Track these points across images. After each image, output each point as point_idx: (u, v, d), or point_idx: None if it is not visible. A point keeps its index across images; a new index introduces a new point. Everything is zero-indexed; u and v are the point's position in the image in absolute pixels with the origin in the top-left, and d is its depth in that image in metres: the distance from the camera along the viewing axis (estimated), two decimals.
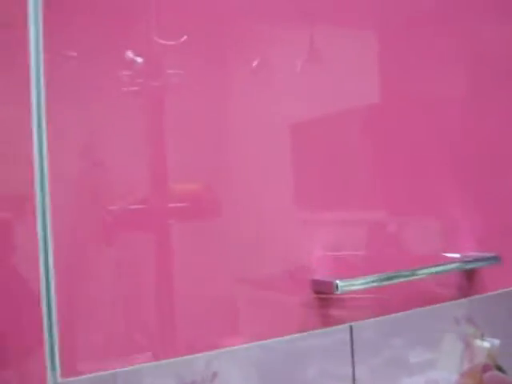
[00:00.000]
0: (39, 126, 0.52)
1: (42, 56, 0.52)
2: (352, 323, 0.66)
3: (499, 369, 1.13)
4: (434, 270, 0.67)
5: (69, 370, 0.52)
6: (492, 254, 0.70)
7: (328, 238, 0.65)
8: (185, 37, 0.59)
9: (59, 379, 0.51)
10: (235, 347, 0.59)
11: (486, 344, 1.15)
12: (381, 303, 0.67)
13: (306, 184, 0.63)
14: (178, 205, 0.58)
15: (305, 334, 0.62)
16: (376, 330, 1.00)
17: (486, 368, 1.12)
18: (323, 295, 0.63)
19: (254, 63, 0.62)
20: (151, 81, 0.57)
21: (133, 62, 0.56)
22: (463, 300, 1.12)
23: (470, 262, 0.70)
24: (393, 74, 0.72)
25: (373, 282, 0.62)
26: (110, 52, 0.55)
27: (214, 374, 0.88)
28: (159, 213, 0.57)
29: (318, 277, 0.63)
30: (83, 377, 0.52)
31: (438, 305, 1.07)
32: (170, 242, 0.57)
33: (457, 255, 0.72)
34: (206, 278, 0.58)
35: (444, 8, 0.76)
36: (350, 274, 0.62)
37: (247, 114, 0.62)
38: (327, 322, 0.64)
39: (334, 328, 0.64)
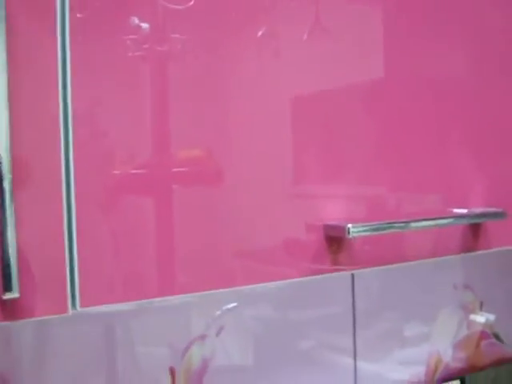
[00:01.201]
0: (64, 87, 0.53)
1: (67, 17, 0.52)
2: (354, 271, 0.67)
3: (496, 337, 1.15)
4: (442, 221, 0.68)
5: (89, 299, 0.53)
6: (498, 210, 0.71)
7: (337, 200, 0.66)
8: (192, 1, 0.59)
9: (79, 308, 0.52)
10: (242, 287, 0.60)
11: (482, 319, 1.16)
12: (386, 253, 0.68)
13: (306, 155, 0.64)
14: (181, 169, 0.58)
15: (308, 278, 0.63)
16: (379, 279, 1.01)
17: (483, 335, 1.13)
18: (333, 240, 0.64)
19: (260, 32, 0.63)
20: (157, 46, 0.57)
21: (138, 26, 0.56)
22: (464, 262, 1.14)
23: (476, 216, 0.71)
24: (398, 50, 0.73)
25: (382, 228, 0.63)
26: (115, 15, 0.55)
27: (221, 327, 0.89)
28: (163, 177, 0.58)
29: (329, 222, 0.64)
30: (101, 307, 0.53)
31: (436, 265, 1.09)
32: (172, 204, 0.58)
33: (463, 210, 0.73)
34: (209, 236, 0.59)
35: None
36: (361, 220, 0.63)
37: (251, 83, 0.63)
38: (333, 270, 0.65)
39: (336, 274, 0.65)
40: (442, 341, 1.13)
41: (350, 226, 0.60)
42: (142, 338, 0.81)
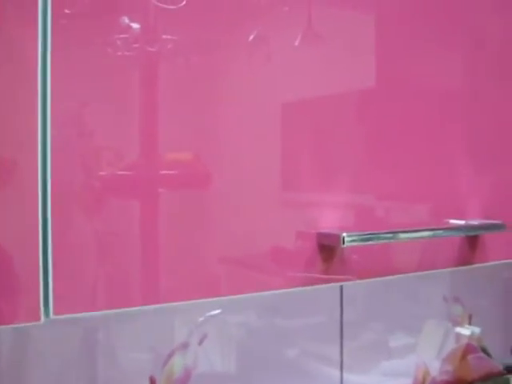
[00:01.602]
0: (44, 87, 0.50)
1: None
2: (344, 283, 0.64)
3: (484, 351, 1.14)
4: (437, 232, 0.65)
5: (62, 307, 0.50)
6: (497, 222, 0.69)
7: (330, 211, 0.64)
8: (184, 2, 0.57)
9: (52, 315, 0.49)
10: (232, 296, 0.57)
11: (467, 331, 1.15)
12: (379, 264, 0.66)
13: (298, 161, 0.63)
14: (169, 172, 0.56)
15: (300, 289, 0.61)
16: (369, 290, 0.99)
17: (469, 348, 1.12)
18: (327, 250, 0.61)
19: (251, 36, 0.61)
20: (147, 46, 0.55)
21: (128, 25, 0.54)
22: (455, 276, 1.12)
23: (474, 228, 0.68)
24: (391, 57, 0.72)
25: (377, 238, 0.60)
26: (106, 14, 0.53)
27: (204, 336, 0.86)
28: (150, 180, 0.55)
29: (323, 230, 0.61)
30: (76, 314, 0.50)
31: (429, 279, 1.07)
32: (159, 208, 0.56)
33: (461, 221, 0.70)
34: (196, 241, 0.57)
35: None
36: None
37: (242, 87, 0.61)
38: (322, 280, 0.62)
39: (326, 286, 0.62)
40: (430, 353, 1.12)
41: (344, 234, 0.57)
42: (121, 346, 0.78)
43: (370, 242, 0.59)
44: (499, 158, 0.77)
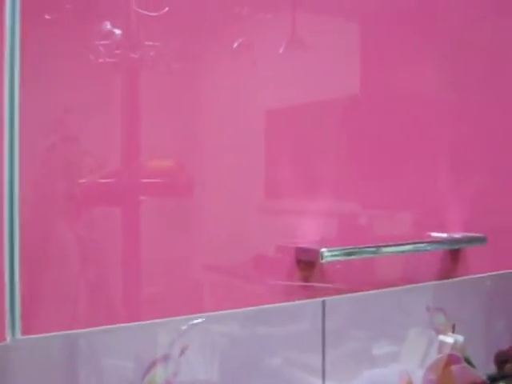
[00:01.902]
0: (12, 95, 0.49)
1: (18, 18, 0.49)
2: (326, 298, 0.63)
3: (468, 361, 1.13)
4: (419, 246, 0.64)
5: (30, 327, 0.48)
6: (479, 235, 0.68)
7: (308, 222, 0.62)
8: (166, 9, 0.56)
9: (19, 336, 0.47)
10: (209, 314, 0.56)
11: (450, 339, 1.14)
12: (359, 278, 0.65)
13: (279, 170, 0.61)
14: (151, 181, 0.55)
15: (279, 305, 0.59)
16: (350, 304, 0.98)
17: (452, 359, 1.11)
18: (305, 266, 0.60)
19: (235, 44, 0.60)
20: (129, 53, 0.54)
21: (110, 31, 0.54)
22: (438, 286, 1.11)
23: (456, 241, 0.68)
24: (373, 66, 0.72)
25: (357, 253, 0.58)
26: (87, 21, 0.53)
27: (185, 347, 0.84)
28: (132, 188, 0.55)
29: (302, 245, 0.59)
30: (44, 335, 0.48)
31: (410, 290, 1.06)
32: (140, 217, 0.54)
33: (442, 235, 0.69)
34: (178, 251, 0.56)
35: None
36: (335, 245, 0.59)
37: (225, 94, 0.61)
38: (303, 294, 0.61)
39: (308, 301, 0.61)
40: (412, 362, 1.11)
41: (323, 250, 0.56)
42: (96, 361, 0.76)
43: (351, 257, 0.58)
44: (481, 171, 0.76)
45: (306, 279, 0.61)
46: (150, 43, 0.55)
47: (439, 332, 1.12)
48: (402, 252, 0.62)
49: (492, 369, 1.17)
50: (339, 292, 0.62)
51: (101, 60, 0.52)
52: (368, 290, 0.64)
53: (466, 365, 1.12)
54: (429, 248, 0.65)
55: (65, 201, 0.50)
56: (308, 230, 0.61)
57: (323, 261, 0.56)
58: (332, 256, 0.56)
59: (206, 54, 0.60)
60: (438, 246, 0.67)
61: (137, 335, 0.69)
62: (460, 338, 1.15)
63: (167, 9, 0.56)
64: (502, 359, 1.20)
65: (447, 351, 1.12)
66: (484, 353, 1.18)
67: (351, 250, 0.58)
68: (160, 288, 0.55)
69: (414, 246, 0.63)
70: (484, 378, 1.14)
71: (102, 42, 0.53)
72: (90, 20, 0.53)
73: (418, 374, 1.09)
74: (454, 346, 1.13)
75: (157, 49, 0.56)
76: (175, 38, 0.57)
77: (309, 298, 0.61)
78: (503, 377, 1.18)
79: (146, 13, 0.55)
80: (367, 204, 0.67)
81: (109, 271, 0.52)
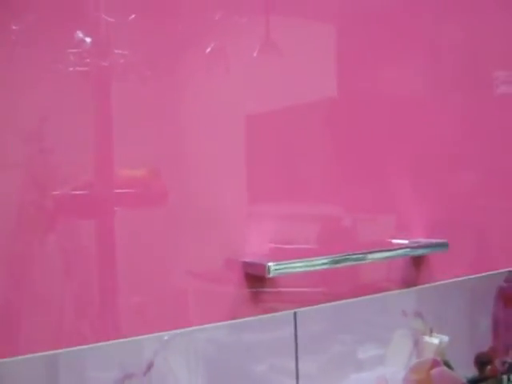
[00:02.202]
0: None
1: None
2: (296, 310, 0.61)
3: (447, 364, 1.11)
4: (379, 255, 0.61)
5: (5, 349, 0.46)
6: (441, 240, 0.66)
7: (272, 227, 0.60)
8: (133, 15, 0.56)
9: None
10: (174, 331, 0.54)
11: (435, 340, 1.12)
12: (323, 290, 0.63)
13: (255, 175, 0.60)
14: (125, 191, 0.55)
15: (246, 319, 0.57)
16: (319, 318, 0.96)
17: (434, 363, 1.10)
18: (256, 281, 0.57)
19: (208, 49, 0.59)
20: (99, 61, 0.54)
21: (80, 39, 0.53)
22: (411, 291, 1.09)
23: (417, 247, 0.65)
24: (349, 69, 0.71)
25: (309, 265, 0.56)
26: (55, 29, 0.52)
27: (150, 364, 0.82)
28: (105, 199, 0.54)
29: (250, 259, 0.57)
30: (21, 357, 0.46)
31: (384, 295, 1.04)
32: (115, 228, 0.53)
33: (405, 241, 0.67)
34: (148, 266, 0.54)
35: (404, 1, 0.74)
36: (289, 258, 0.57)
37: (199, 100, 0.60)
38: (264, 308, 0.59)
39: (276, 314, 0.59)
40: (392, 367, 1.09)
41: (270, 264, 0.53)
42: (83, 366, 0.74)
43: (301, 270, 0.56)
44: (443, 176, 0.74)
45: (254, 295, 0.59)
46: (119, 51, 0.55)
47: (418, 336, 1.11)
48: (357, 262, 0.60)
49: (473, 371, 1.16)
50: (291, 307, 0.60)
51: (70, 69, 0.52)
52: (322, 303, 0.62)
53: (445, 368, 1.11)
54: (383, 256, 0.62)
55: (38, 213, 0.49)
56: (256, 245, 0.59)
57: (270, 275, 0.53)
58: (279, 270, 0.54)
59: (178, 60, 0.59)
60: (398, 254, 0.65)
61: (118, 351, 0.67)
62: (445, 338, 1.13)
63: (133, 16, 0.55)
64: (482, 361, 1.18)
65: (431, 353, 1.10)
66: (464, 355, 1.17)
67: (302, 264, 0.56)
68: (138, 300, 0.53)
69: (373, 254, 0.61)
70: (464, 381, 1.13)
71: (71, 51, 0.52)
72: (59, 29, 0.52)
73: (398, 377, 1.07)
74: (440, 346, 1.12)
75: (126, 56, 0.55)
76: (145, 45, 0.57)
77: (258, 314, 0.59)
78: (484, 379, 1.17)
79: (114, 20, 0.54)
80: (325, 213, 0.65)
81: (85, 285, 0.51)
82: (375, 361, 1.05)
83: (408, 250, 0.66)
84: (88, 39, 0.53)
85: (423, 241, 0.67)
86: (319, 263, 0.57)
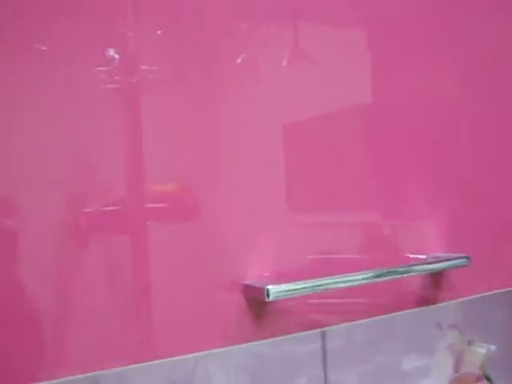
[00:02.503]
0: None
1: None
2: (325, 328, 0.59)
3: (488, 379, 1.06)
4: (398, 270, 0.58)
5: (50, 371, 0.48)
6: (461, 255, 0.62)
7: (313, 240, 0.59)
8: (159, 31, 0.56)
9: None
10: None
11: (482, 350, 1.08)
12: (347, 308, 0.60)
13: (293, 187, 0.59)
14: (156, 205, 0.55)
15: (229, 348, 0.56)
16: (347, 336, 0.92)
17: (478, 378, 1.05)
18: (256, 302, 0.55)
19: (237, 60, 0.59)
20: (128, 78, 0.54)
21: (109, 57, 0.53)
22: (447, 304, 1.05)
23: (437, 262, 0.62)
24: (381, 75, 0.69)
25: (312, 287, 0.54)
26: (83, 48, 0.53)
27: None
28: (137, 214, 0.54)
29: (250, 282, 0.55)
30: (61, 379, 0.47)
31: (417, 309, 1.00)
32: (147, 243, 0.54)
33: (423, 256, 0.64)
34: (182, 281, 0.55)
35: (434, 5, 0.71)
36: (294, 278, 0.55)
37: (228, 112, 0.60)
38: (255, 334, 0.57)
39: (306, 333, 0.57)
40: (438, 379, 1.05)
41: (269, 287, 0.51)
42: None
43: (302, 293, 0.54)
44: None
45: (254, 319, 0.57)
46: (149, 67, 0.55)
47: (456, 350, 1.06)
48: (362, 282, 0.57)
49: None
50: (293, 331, 0.58)
51: (101, 86, 0.52)
52: (327, 326, 0.59)
53: (486, 382, 1.06)
54: (393, 275, 0.59)
55: (72, 231, 0.50)
56: (256, 268, 0.57)
57: (269, 299, 0.51)
58: (278, 293, 0.52)
59: (206, 73, 0.59)
60: (415, 270, 0.61)
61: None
62: (492, 347, 1.08)
63: (160, 32, 0.55)
64: None
65: (477, 362, 1.05)
66: (505, 369, 1.11)
67: (304, 286, 0.54)
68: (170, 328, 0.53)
69: (376, 272, 0.58)
70: None
71: (101, 69, 0.53)
72: (86, 49, 0.52)
73: None
74: (487, 355, 1.07)
75: (157, 72, 0.55)
76: (174, 60, 0.57)
77: (259, 339, 0.57)
78: None
79: (142, 37, 0.54)
80: (338, 230, 0.63)
81: (120, 302, 0.52)
82: (415, 373, 1.01)
83: (426, 265, 0.63)
84: (116, 56, 0.53)
85: (442, 255, 0.63)
86: (318, 286, 0.54)
